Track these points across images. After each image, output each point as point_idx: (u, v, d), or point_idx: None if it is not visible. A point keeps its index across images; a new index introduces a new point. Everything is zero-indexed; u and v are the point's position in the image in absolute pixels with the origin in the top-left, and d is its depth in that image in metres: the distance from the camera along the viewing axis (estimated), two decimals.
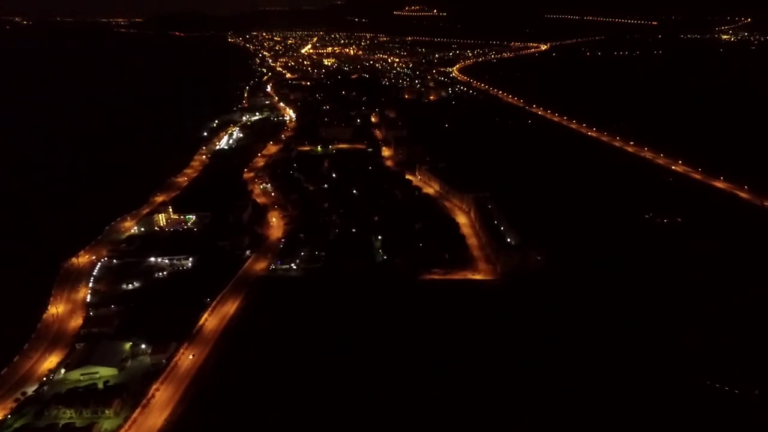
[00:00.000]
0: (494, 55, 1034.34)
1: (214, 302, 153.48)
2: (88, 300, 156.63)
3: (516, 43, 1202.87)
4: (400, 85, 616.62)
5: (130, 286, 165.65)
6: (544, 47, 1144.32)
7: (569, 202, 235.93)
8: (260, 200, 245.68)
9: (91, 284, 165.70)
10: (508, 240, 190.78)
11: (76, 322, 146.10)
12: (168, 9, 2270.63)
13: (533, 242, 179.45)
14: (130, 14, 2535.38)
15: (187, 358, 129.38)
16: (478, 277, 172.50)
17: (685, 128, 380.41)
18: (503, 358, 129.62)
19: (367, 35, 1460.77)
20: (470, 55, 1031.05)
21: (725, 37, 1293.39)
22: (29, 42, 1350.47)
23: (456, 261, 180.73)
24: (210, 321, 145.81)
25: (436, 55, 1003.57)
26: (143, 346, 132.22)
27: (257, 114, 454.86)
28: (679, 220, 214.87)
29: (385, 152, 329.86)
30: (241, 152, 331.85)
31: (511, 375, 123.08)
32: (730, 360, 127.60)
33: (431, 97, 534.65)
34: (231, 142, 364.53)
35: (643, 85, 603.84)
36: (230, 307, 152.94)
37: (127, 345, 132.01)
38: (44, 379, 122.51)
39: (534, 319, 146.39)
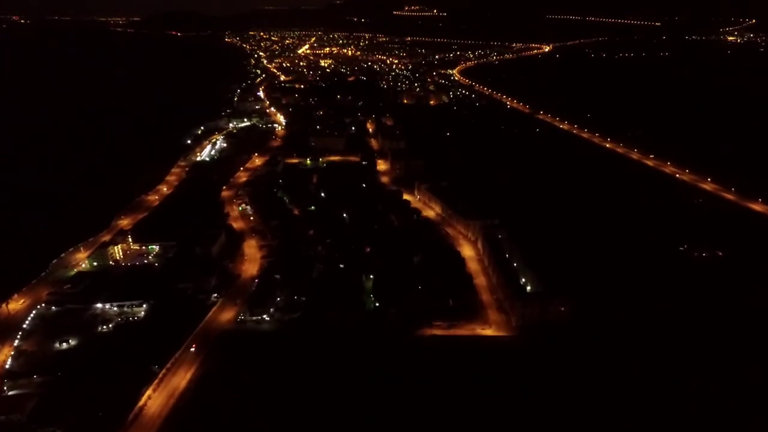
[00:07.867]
0: (496, 56, 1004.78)
1: (163, 370, 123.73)
2: (7, 366, 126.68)
3: (518, 44, 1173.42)
4: (399, 89, 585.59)
5: (65, 345, 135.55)
6: (546, 48, 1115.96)
7: (589, 229, 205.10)
8: (237, 225, 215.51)
9: (17, 341, 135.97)
10: (522, 281, 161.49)
11: None
12: (166, 8, 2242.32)
13: (555, 287, 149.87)
14: (129, 13, 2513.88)
15: None
16: (488, 332, 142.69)
17: (709, 139, 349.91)
18: None
19: (366, 35, 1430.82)
20: (471, 56, 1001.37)
21: (731, 38, 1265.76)
22: (22, 41, 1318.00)
23: (462, 309, 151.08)
24: (155, 399, 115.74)
25: (436, 56, 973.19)
26: None
27: (245, 120, 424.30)
28: (720, 253, 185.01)
29: (381, 166, 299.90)
30: (223, 165, 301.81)
31: None
32: None
33: (431, 102, 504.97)
34: (213, 152, 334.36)
35: (654, 89, 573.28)
36: (182, 378, 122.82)
37: None
38: None
39: (557, 393, 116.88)
